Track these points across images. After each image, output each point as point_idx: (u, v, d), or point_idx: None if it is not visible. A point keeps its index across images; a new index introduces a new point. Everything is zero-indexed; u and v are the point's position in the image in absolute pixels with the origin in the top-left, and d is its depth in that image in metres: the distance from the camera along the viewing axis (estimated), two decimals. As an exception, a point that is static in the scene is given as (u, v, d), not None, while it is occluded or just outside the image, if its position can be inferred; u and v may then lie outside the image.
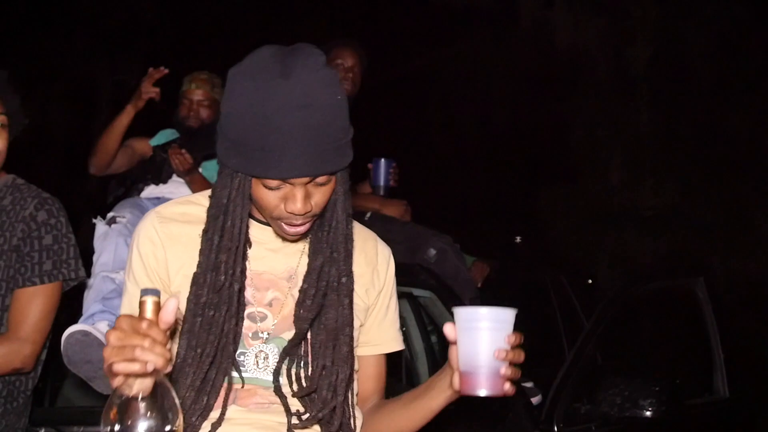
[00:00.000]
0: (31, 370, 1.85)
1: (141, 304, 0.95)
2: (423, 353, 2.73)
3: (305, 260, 1.28)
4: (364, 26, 8.01)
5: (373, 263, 1.37)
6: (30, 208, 1.87)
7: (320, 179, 1.16)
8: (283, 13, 8.05)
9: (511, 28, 8.46)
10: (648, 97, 8.39)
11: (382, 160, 3.01)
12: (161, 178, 2.87)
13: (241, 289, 1.22)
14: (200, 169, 2.87)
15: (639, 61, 8.37)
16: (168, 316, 0.96)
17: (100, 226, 2.46)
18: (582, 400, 2.39)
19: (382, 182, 3.01)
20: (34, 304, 1.83)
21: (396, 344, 1.42)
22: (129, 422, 0.92)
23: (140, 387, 0.93)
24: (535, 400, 2.65)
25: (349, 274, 1.26)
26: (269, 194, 1.16)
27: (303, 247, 1.30)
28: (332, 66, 2.97)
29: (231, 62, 1.18)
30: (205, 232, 1.22)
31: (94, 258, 2.37)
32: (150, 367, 0.91)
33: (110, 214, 2.51)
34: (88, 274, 2.23)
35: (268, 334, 1.25)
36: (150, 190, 2.87)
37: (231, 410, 1.22)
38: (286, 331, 1.25)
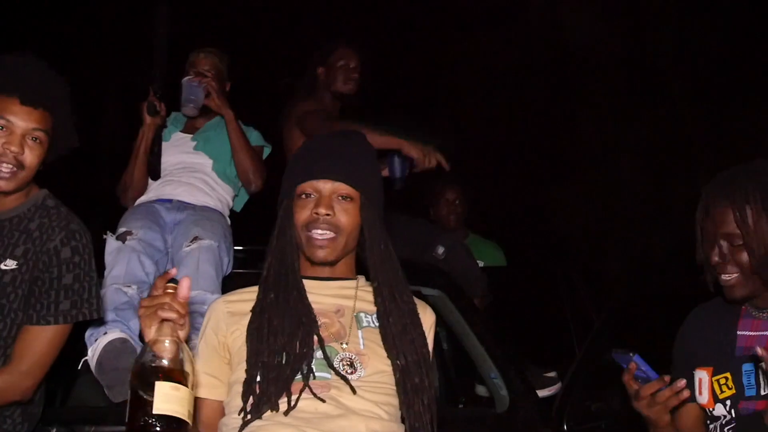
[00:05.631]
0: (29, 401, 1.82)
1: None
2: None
3: None
4: (370, 22, 7.99)
5: None
6: (56, 241, 1.81)
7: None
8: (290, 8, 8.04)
9: (519, 22, 8.40)
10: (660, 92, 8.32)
11: (396, 156, 2.85)
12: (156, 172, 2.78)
13: None
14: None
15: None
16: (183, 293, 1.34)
17: (111, 241, 2.43)
18: (593, 398, 2.37)
19: (398, 174, 2.85)
20: (43, 341, 1.79)
21: None
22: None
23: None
24: (554, 389, 2.63)
25: None
26: None
27: None
28: (336, 67, 2.99)
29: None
30: None
31: (106, 271, 2.35)
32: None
33: (121, 229, 2.47)
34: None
35: None
36: (156, 191, 2.77)
37: None
38: None
